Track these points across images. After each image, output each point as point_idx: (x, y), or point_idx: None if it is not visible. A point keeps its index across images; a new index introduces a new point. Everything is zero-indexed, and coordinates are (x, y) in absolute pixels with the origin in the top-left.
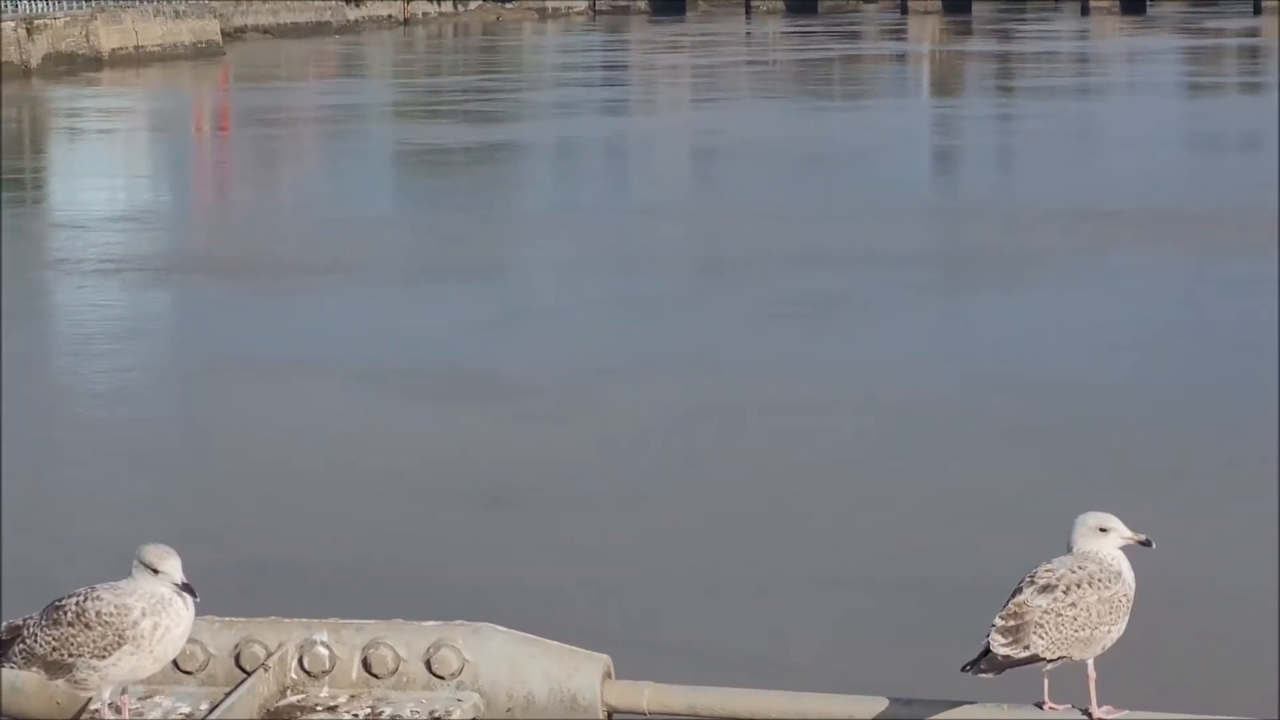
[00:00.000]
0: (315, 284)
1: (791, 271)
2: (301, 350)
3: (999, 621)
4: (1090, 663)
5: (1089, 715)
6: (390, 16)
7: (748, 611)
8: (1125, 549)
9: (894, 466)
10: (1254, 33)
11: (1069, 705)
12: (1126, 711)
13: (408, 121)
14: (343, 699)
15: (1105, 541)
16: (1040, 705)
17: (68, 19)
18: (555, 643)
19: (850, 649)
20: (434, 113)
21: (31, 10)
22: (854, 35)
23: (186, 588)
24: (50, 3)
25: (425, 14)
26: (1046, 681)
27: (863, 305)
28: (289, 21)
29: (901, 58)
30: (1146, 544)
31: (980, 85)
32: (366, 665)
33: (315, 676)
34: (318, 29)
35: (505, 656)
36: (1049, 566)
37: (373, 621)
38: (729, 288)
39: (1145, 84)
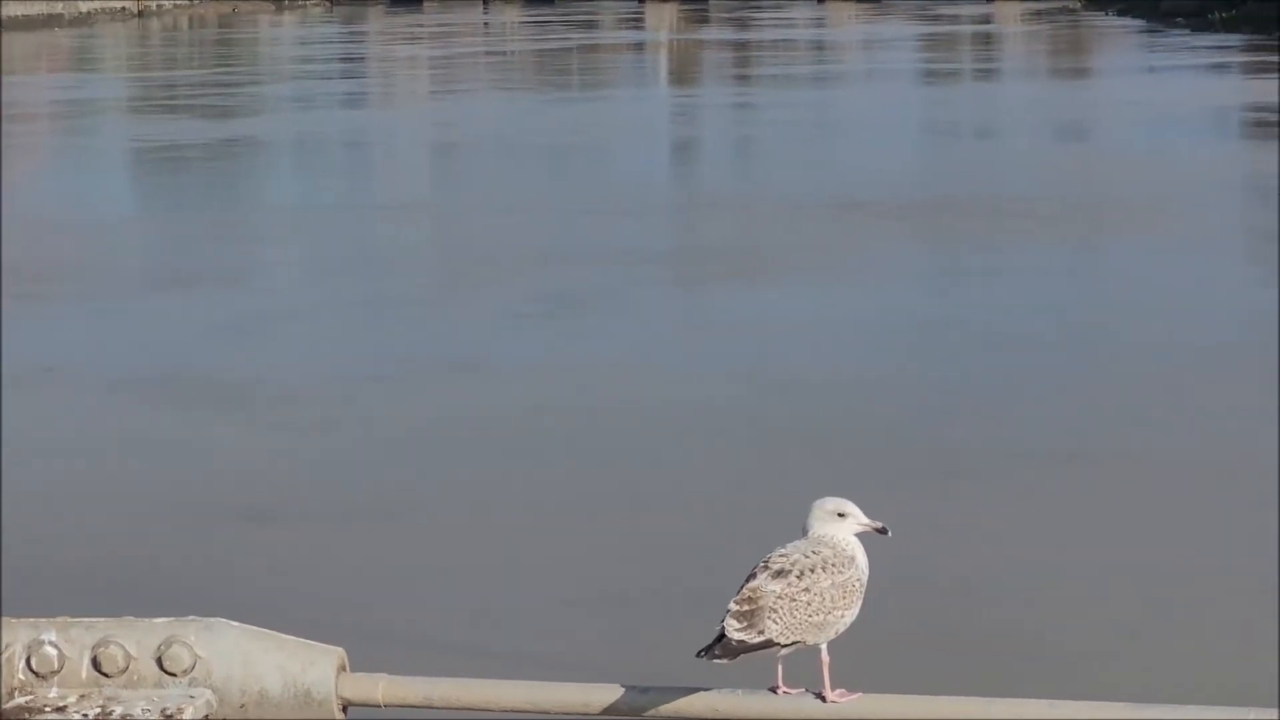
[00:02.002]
0: (52, 290)
1: (538, 269)
2: (42, 359)
3: (733, 607)
4: (824, 647)
5: (822, 698)
6: (124, 9)
7: (490, 608)
8: (862, 536)
9: (649, 467)
10: (987, 19)
11: (803, 689)
12: (859, 694)
13: (143, 117)
14: (72, 699)
15: (841, 527)
16: (774, 690)
17: None
18: (289, 637)
19: (590, 642)
20: (170, 108)
21: None
22: (592, 24)
23: None
24: None
25: (160, 6)
26: (780, 666)
27: (613, 303)
28: (19, 14)
29: (640, 46)
30: (883, 531)
31: (720, 74)
32: (96, 664)
33: (43, 677)
34: (49, 21)
35: (238, 651)
36: (783, 551)
37: (103, 619)
38: (476, 287)
39: (884, 71)
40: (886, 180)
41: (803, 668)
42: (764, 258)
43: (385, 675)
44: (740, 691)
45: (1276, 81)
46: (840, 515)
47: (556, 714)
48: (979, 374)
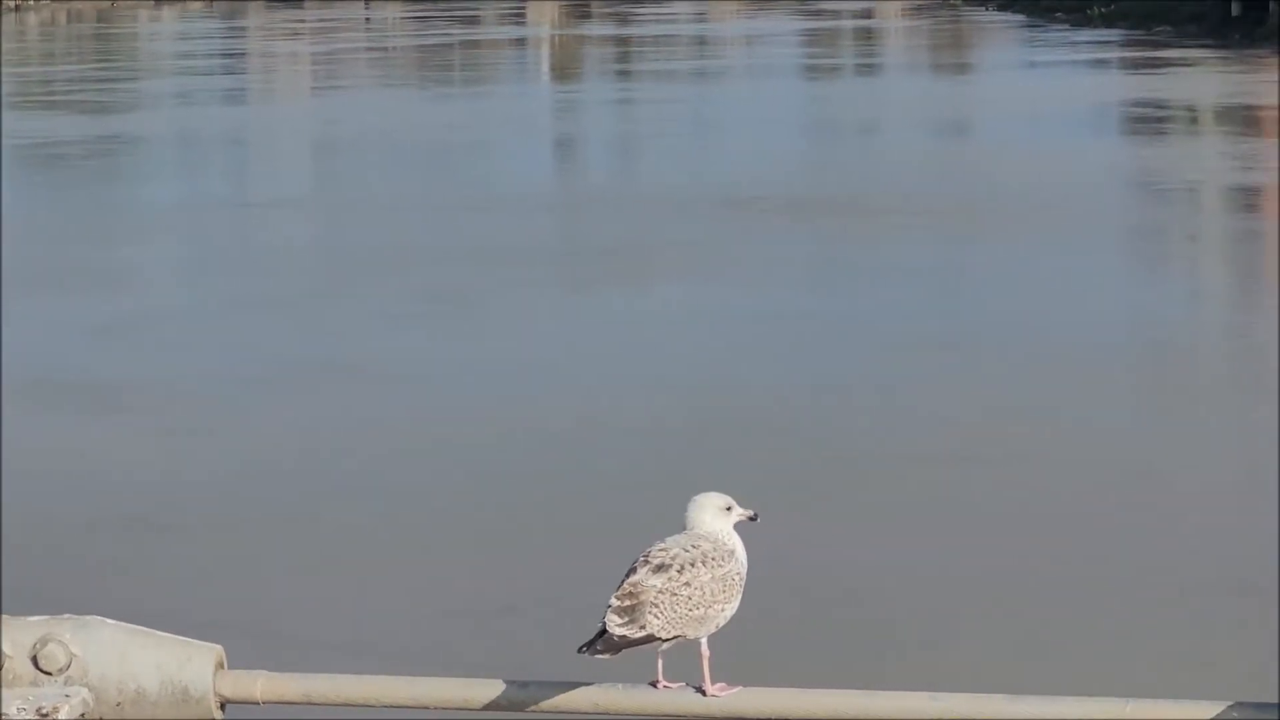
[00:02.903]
0: None
1: (423, 268)
2: None
3: (615, 602)
4: (704, 641)
5: (702, 692)
6: None
7: (372, 608)
8: (742, 530)
9: (534, 468)
10: (868, 14)
11: (683, 683)
12: (739, 688)
13: (18, 113)
14: None
15: (720, 520)
16: (655, 684)
17: None
18: (166, 634)
19: (472, 640)
20: (47, 103)
21: None
22: (473, 20)
23: None
24: None
25: (37, 0)
26: (661, 661)
27: (498, 303)
28: None
29: (521, 42)
30: (754, 519)
31: (602, 69)
32: None
33: None
34: None
35: (115, 649)
36: (663, 545)
37: None
38: (359, 286)
39: (766, 67)
40: (772, 177)
41: (683, 662)
42: (651, 256)
43: (264, 672)
44: (621, 686)
45: (1155, 77)
46: (719, 509)
47: (437, 710)
48: (868, 374)
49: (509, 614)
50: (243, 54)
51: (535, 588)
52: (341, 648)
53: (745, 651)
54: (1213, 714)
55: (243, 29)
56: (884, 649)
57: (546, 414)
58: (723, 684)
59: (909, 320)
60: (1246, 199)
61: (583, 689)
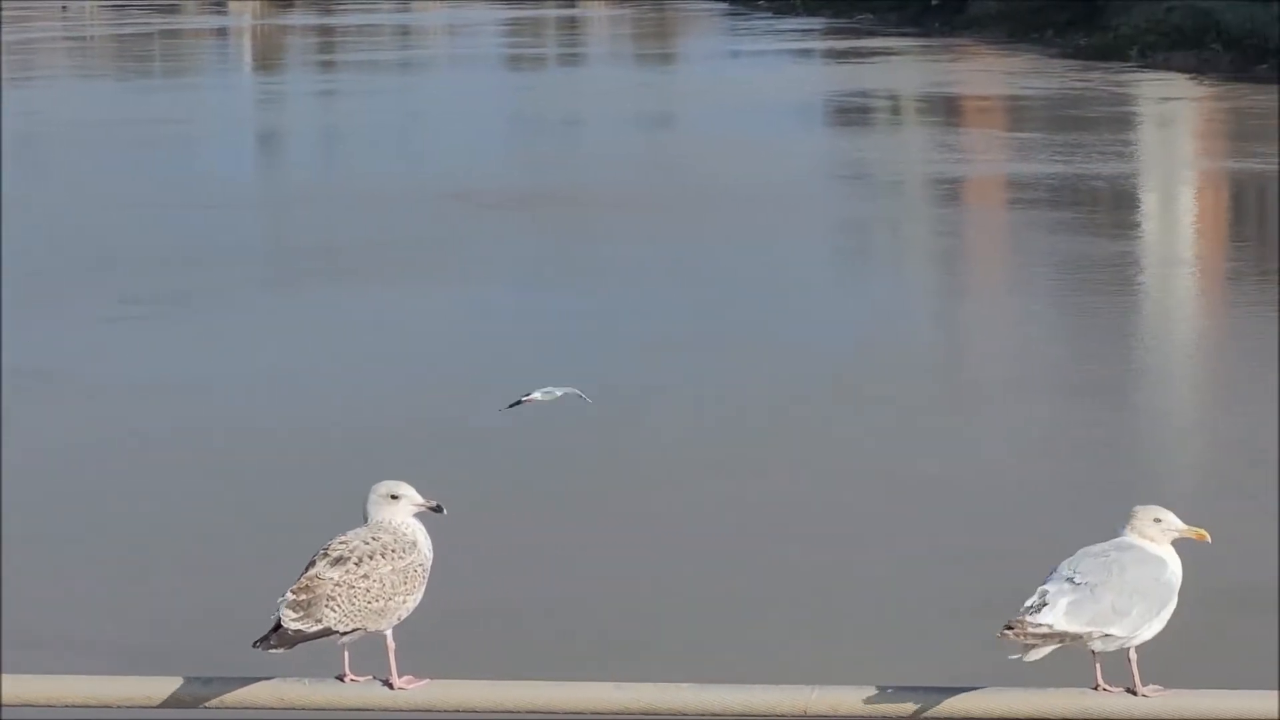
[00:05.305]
0: None
1: (130, 270)
2: None
3: (290, 595)
4: (389, 633)
5: (389, 685)
6: None
7: (59, 604)
8: (421, 516)
9: (247, 474)
10: (573, 3)
11: (370, 676)
12: (427, 680)
13: None
14: None
15: (398, 510)
16: (342, 678)
17: None
18: None
19: (161, 636)
20: None
21: None
22: (173, 9)
23: None
24: None
25: None
26: (346, 654)
27: (208, 306)
28: None
29: (223, 32)
30: (438, 510)
31: (305, 60)
32: None
33: None
34: None
35: None
36: (343, 538)
37: None
38: (61, 289)
39: (471, 57)
40: (486, 170)
41: (370, 654)
42: (372, 253)
43: None
44: (307, 680)
45: (859, 66)
46: (394, 497)
47: (118, 708)
48: (605, 374)
49: (205, 611)
50: None
51: (234, 586)
52: (26, 646)
53: (434, 640)
54: (894, 697)
55: None
56: (597, 645)
57: (262, 420)
58: (410, 676)
59: (641, 319)
60: (951, 189)
61: (266, 683)
